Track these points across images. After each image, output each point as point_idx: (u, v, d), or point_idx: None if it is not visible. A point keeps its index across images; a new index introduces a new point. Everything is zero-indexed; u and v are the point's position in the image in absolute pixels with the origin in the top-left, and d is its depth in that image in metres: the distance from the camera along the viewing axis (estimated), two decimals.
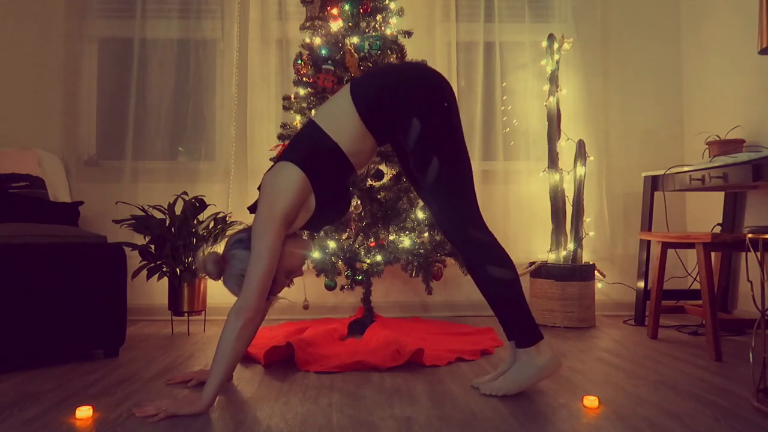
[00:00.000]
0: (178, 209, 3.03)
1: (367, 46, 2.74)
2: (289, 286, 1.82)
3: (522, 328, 1.76)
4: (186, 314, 2.77)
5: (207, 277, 1.74)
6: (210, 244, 2.85)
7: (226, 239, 1.78)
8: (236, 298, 1.64)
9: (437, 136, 1.70)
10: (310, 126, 1.75)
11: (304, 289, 3.24)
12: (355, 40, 2.77)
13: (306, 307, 2.95)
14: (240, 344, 1.60)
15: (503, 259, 1.75)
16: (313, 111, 2.79)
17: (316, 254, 2.68)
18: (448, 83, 1.78)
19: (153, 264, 2.72)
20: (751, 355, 1.79)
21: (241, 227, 1.74)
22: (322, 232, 2.73)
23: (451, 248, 2.76)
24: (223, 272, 1.73)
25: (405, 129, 1.70)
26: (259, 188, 1.73)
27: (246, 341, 1.63)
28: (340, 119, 1.72)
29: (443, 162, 1.69)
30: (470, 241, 1.72)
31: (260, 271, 1.60)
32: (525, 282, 3.40)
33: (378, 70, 1.81)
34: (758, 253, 2.45)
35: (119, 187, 3.29)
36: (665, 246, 2.64)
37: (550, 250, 3.15)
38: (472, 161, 3.31)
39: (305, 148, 1.71)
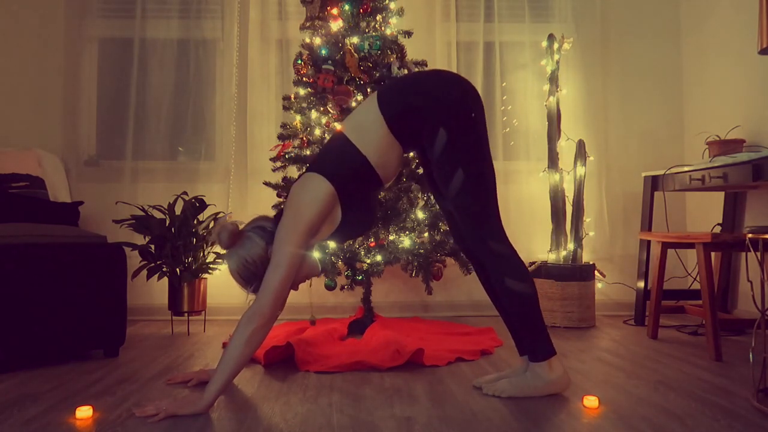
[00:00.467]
0: (178, 209, 3.03)
1: (367, 46, 2.74)
2: (296, 288, 1.82)
3: (536, 343, 1.74)
4: (186, 314, 2.77)
5: (216, 243, 1.71)
6: (210, 244, 2.85)
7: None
8: (242, 291, 1.64)
9: (463, 147, 1.68)
10: (339, 138, 1.74)
11: (310, 297, 3.24)
12: (355, 40, 2.77)
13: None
14: (248, 349, 1.60)
15: (523, 273, 1.73)
16: (313, 113, 2.79)
17: (316, 254, 2.68)
18: (477, 93, 1.76)
19: (153, 264, 2.72)
20: (751, 355, 1.79)
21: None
22: None
23: (452, 247, 2.76)
24: (232, 248, 1.72)
25: (431, 138, 1.69)
26: (286, 197, 1.72)
27: (255, 347, 1.63)
28: (368, 129, 1.70)
29: (468, 174, 1.68)
30: (491, 252, 1.71)
31: (278, 279, 1.60)
32: None
33: (406, 78, 1.79)
34: (758, 253, 2.45)
35: (119, 187, 3.30)
36: (665, 246, 2.64)
37: (550, 250, 3.15)
38: None
39: (334, 160, 1.70)
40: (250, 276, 1.70)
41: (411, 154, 2.74)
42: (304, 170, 1.79)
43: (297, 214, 1.64)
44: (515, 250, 1.76)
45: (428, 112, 1.69)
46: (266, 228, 1.72)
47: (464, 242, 1.89)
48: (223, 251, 1.75)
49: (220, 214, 2.90)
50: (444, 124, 1.67)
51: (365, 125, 1.72)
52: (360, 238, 2.73)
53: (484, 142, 1.72)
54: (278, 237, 1.64)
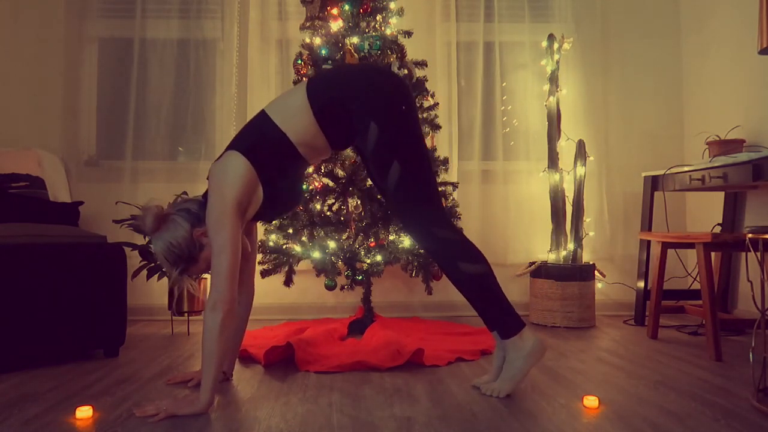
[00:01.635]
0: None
1: (367, 46, 2.74)
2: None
3: (503, 319, 1.74)
4: (186, 314, 2.77)
5: (141, 228, 1.69)
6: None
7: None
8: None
9: (396, 140, 1.69)
10: (260, 116, 1.74)
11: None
12: (355, 40, 2.77)
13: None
14: (224, 337, 1.59)
15: (473, 253, 1.73)
16: None
17: (316, 254, 2.69)
18: (407, 86, 1.77)
19: (153, 264, 2.72)
20: (751, 355, 1.79)
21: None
22: (322, 232, 2.73)
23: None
24: (156, 231, 1.70)
25: (363, 134, 1.70)
26: (208, 178, 1.72)
27: (230, 333, 1.62)
28: (293, 113, 1.70)
29: (403, 165, 1.68)
30: (437, 240, 1.71)
31: (226, 262, 1.59)
32: (525, 282, 3.41)
33: (337, 71, 1.79)
34: (758, 253, 2.45)
35: (119, 187, 3.29)
36: (665, 246, 2.64)
37: (550, 250, 3.15)
38: (472, 161, 3.40)
39: (252, 137, 1.70)
40: (175, 259, 1.69)
41: None
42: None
43: (222, 195, 1.63)
44: (463, 234, 1.77)
45: (357, 105, 1.69)
46: (191, 210, 1.71)
47: (411, 233, 1.83)
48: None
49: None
50: (374, 117, 1.68)
51: (290, 109, 1.71)
52: (360, 238, 2.73)
53: (417, 132, 1.73)
54: (210, 223, 1.63)
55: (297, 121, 1.70)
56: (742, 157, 2.27)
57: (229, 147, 1.72)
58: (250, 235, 1.93)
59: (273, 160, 1.70)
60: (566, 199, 3.16)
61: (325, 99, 1.70)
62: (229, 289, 1.59)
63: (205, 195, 1.74)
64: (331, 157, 2.72)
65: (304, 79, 2.83)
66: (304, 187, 2.70)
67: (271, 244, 2.76)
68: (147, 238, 2.73)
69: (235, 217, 1.64)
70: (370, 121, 1.68)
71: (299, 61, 2.86)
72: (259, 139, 1.69)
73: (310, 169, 2.74)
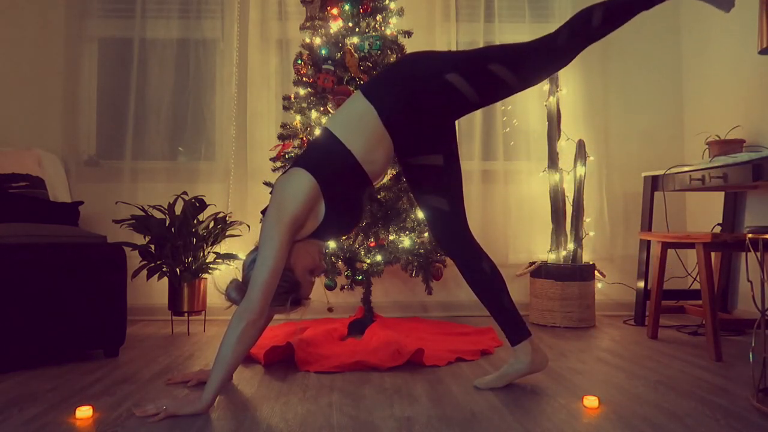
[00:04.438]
0: (178, 209, 3.03)
1: (367, 46, 2.74)
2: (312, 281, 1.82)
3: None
4: (186, 314, 2.77)
5: (228, 300, 1.73)
6: (210, 244, 2.85)
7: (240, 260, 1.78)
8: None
9: (477, 66, 1.68)
10: (325, 133, 1.73)
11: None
12: (355, 40, 2.77)
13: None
14: (242, 346, 1.60)
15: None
16: (313, 112, 2.79)
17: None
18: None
19: (153, 264, 2.72)
20: (751, 355, 1.79)
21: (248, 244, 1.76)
22: None
23: None
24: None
25: (452, 94, 1.68)
26: (271, 192, 1.72)
27: (248, 343, 1.62)
28: (356, 123, 1.68)
29: (502, 62, 1.67)
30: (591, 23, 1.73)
31: (265, 275, 1.59)
32: (525, 282, 3.41)
33: (382, 71, 1.78)
34: (758, 253, 2.45)
35: (119, 187, 3.29)
36: (665, 246, 2.64)
37: (550, 250, 3.15)
38: (472, 161, 3.42)
39: (318, 155, 1.69)
40: (280, 295, 1.69)
41: None
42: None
43: (280, 207, 1.63)
44: None
45: (423, 81, 1.68)
46: (257, 259, 1.70)
47: (447, 241, 1.86)
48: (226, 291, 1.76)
49: (220, 214, 2.90)
50: (445, 72, 1.67)
51: (353, 120, 1.69)
52: (360, 238, 2.73)
53: (480, 52, 1.75)
54: (263, 234, 1.63)
55: (361, 129, 1.68)
56: (742, 157, 2.27)
57: (296, 164, 1.70)
58: (313, 250, 1.86)
59: (337, 178, 1.68)
60: (566, 199, 3.16)
61: (386, 96, 1.68)
62: (261, 301, 1.59)
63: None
64: None
65: (304, 79, 2.83)
66: None
67: None
68: (146, 238, 2.73)
69: (288, 233, 1.62)
70: (444, 77, 1.67)
71: (299, 61, 2.86)
72: (324, 156, 1.68)
73: None
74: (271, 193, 1.71)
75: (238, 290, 1.71)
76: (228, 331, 1.59)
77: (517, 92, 1.77)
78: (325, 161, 1.67)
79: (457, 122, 3.40)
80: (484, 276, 1.83)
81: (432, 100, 1.69)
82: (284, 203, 1.63)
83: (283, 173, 1.72)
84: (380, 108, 1.67)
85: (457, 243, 1.84)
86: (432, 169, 1.85)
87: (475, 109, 1.79)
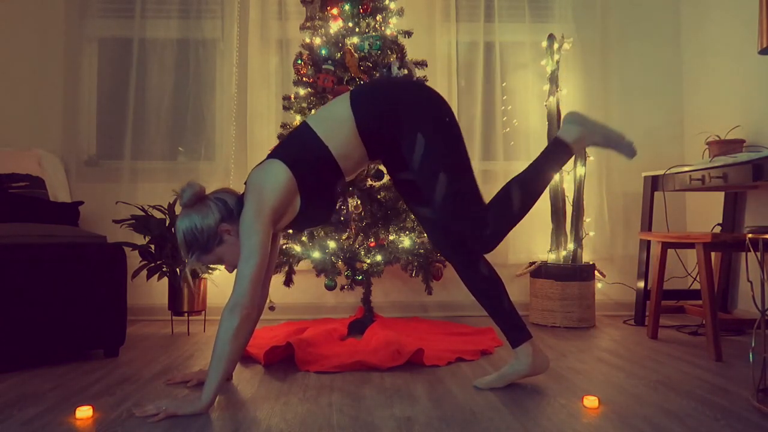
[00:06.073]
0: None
1: (367, 46, 2.74)
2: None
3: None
4: (186, 314, 2.77)
5: (178, 198, 1.71)
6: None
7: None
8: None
9: (442, 151, 1.68)
10: (302, 127, 1.75)
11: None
12: (355, 40, 2.77)
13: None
14: (237, 343, 1.60)
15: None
16: (313, 111, 2.79)
17: (316, 254, 2.68)
18: (445, 100, 1.79)
19: (153, 264, 2.72)
20: (751, 355, 1.80)
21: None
22: (322, 232, 2.73)
23: None
24: (191, 208, 1.70)
25: (410, 146, 1.69)
26: (246, 182, 1.73)
27: (244, 339, 1.64)
28: (335, 125, 1.71)
29: (450, 176, 1.67)
30: (487, 240, 1.70)
31: (252, 268, 1.60)
32: (525, 282, 3.41)
33: (379, 83, 1.79)
34: (758, 253, 2.45)
35: (119, 187, 3.29)
36: (665, 246, 2.64)
37: (550, 250, 3.15)
38: (472, 161, 3.37)
39: (294, 148, 1.72)
40: (192, 243, 1.69)
41: None
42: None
43: (260, 200, 1.64)
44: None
45: (404, 119, 1.69)
46: (227, 203, 1.72)
47: (443, 247, 1.88)
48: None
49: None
50: (421, 130, 1.68)
51: (333, 121, 1.72)
52: (360, 238, 2.73)
53: (462, 143, 1.73)
54: (244, 227, 1.63)
55: (339, 132, 1.71)
56: (742, 157, 2.27)
57: (271, 155, 1.72)
58: (274, 243, 1.93)
59: (313, 171, 1.70)
60: (566, 199, 3.16)
61: (369, 112, 1.71)
62: (251, 296, 1.60)
63: (242, 196, 1.75)
64: None
65: (304, 79, 2.83)
66: None
67: None
68: (146, 238, 2.73)
69: (269, 224, 1.65)
70: (417, 133, 1.68)
71: (299, 61, 2.86)
72: (301, 150, 1.70)
73: None
74: (245, 183, 1.72)
75: (194, 197, 1.69)
76: (221, 328, 1.59)
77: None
78: (301, 154, 1.70)
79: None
80: (482, 279, 1.85)
81: (391, 136, 1.72)
82: (263, 195, 1.65)
83: (259, 164, 1.73)
84: (360, 121, 1.70)
85: (453, 248, 1.86)
86: (416, 183, 1.88)
87: (407, 172, 1.86)
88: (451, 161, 1.68)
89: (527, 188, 1.71)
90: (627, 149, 1.74)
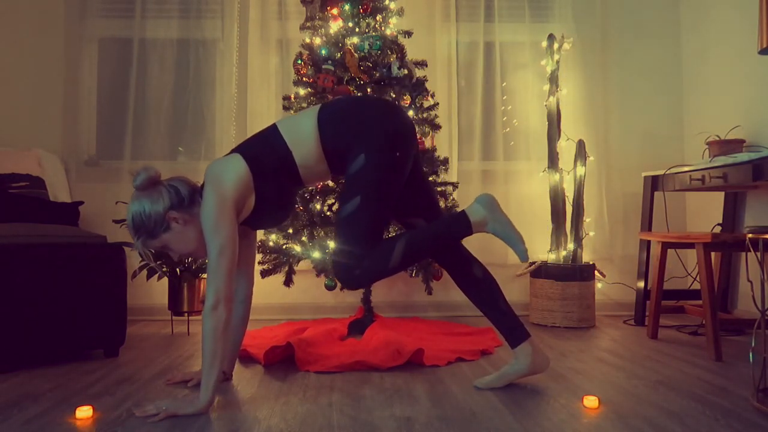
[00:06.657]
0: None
1: (367, 46, 2.74)
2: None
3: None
4: (186, 314, 2.77)
5: (133, 179, 1.71)
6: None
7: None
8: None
9: (371, 179, 1.68)
10: (270, 129, 1.76)
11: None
12: (355, 40, 2.77)
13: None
14: (225, 336, 1.60)
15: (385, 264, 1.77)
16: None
17: (316, 254, 2.68)
18: (413, 132, 1.77)
19: (153, 264, 2.71)
20: (751, 355, 1.79)
21: None
22: (322, 232, 2.73)
23: None
24: (143, 192, 1.69)
25: (353, 158, 1.70)
26: (205, 174, 1.72)
27: (229, 332, 1.64)
28: (302, 138, 1.72)
29: (362, 204, 1.67)
30: (358, 283, 1.70)
31: (226, 263, 1.60)
32: (525, 282, 3.41)
33: (349, 104, 1.77)
34: (758, 253, 2.45)
35: (119, 187, 3.29)
36: (665, 246, 2.64)
37: (550, 250, 3.15)
38: (472, 161, 3.42)
39: (258, 146, 1.72)
40: (140, 227, 1.68)
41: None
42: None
43: (221, 193, 1.64)
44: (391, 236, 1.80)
45: (359, 136, 1.70)
46: (180, 190, 1.71)
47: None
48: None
49: None
50: (367, 152, 1.68)
51: (300, 133, 1.73)
52: None
53: (397, 182, 1.72)
54: (209, 223, 1.62)
55: (304, 145, 1.72)
56: (742, 157, 2.27)
57: (234, 150, 1.74)
58: (249, 235, 1.94)
59: (272, 174, 1.71)
60: (566, 199, 3.16)
61: (333, 133, 1.72)
62: (228, 288, 1.61)
63: (202, 187, 1.74)
64: None
65: (304, 79, 2.83)
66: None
67: (271, 243, 2.76)
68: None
69: (233, 215, 1.65)
70: (362, 153, 1.69)
71: (299, 61, 2.86)
72: (265, 151, 1.71)
73: None
74: (205, 174, 1.71)
75: (149, 180, 1.69)
76: (207, 326, 1.58)
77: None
78: (263, 153, 1.71)
79: (456, 122, 3.41)
80: (476, 281, 1.85)
81: (347, 148, 1.72)
82: (223, 187, 1.65)
83: (219, 158, 1.74)
84: (324, 139, 1.72)
85: (444, 251, 1.86)
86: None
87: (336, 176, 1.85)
88: (374, 194, 1.68)
89: (413, 249, 1.69)
90: (521, 252, 1.73)
